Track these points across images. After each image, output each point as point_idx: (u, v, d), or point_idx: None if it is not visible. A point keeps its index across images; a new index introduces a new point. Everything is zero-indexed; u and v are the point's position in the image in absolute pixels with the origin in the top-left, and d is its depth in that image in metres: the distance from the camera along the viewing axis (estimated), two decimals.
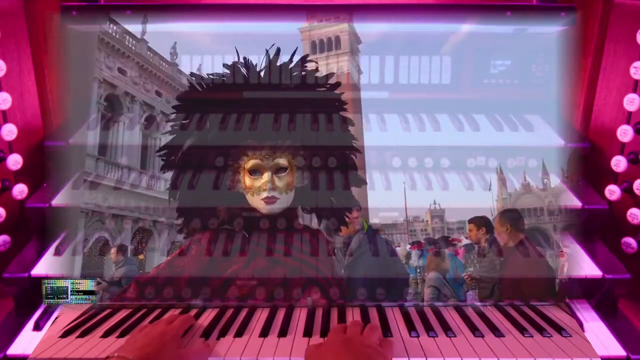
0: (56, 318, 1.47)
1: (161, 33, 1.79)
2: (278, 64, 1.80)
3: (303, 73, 1.81)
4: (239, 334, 1.37)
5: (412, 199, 1.72)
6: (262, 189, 1.75)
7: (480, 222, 1.66)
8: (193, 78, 1.82)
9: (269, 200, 1.74)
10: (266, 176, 1.75)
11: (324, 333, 1.37)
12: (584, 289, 1.52)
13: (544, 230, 1.68)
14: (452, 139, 1.68)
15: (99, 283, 1.60)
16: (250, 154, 1.77)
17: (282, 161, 1.77)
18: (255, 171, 1.76)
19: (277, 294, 1.57)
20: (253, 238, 1.71)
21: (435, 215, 1.75)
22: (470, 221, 1.67)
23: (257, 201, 1.75)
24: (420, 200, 1.71)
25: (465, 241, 1.67)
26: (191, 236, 1.72)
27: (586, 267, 1.51)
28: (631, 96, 1.51)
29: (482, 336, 1.35)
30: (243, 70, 1.81)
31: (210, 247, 1.68)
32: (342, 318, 1.45)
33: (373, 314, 1.47)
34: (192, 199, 1.76)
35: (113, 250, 1.69)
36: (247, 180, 1.76)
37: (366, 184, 1.76)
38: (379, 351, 1.20)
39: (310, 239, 1.72)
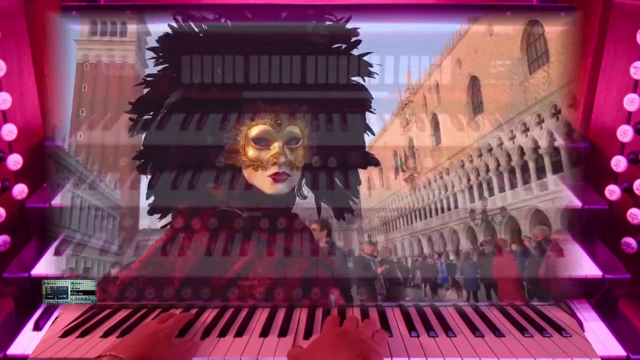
0: (56, 318, 1.47)
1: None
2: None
3: (328, 22, 1.52)
4: (239, 334, 1.37)
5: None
6: (270, 162, 1.44)
7: (324, 224, 1.63)
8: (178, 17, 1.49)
9: (279, 178, 1.44)
10: (277, 147, 1.44)
11: None
12: (584, 289, 1.52)
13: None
14: (452, 138, 1.69)
15: None
16: (257, 117, 1.46)
17: (295, 130, 1.47)
18: (262, 140, 1.45)
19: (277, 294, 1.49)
20: (251, 224, 1.45)
21: None
22: (315, 222, 1.62)
23: (261, 178, 1.45)
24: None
25: None
26: (169, 220, 1.48)
27: (586, 267, 1.51)
28: (631, 96, 1.51)
29: (482, 336, 1.35)
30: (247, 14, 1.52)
31: (195, 237, 1.45)
32: (342, 318, 1.44)
33: (373, 314, 1.47)
34: (170, 172, 1.46)
35: None
36: (251, 150, 1.45)
37: (379, 164, 1.57)
38: (373, 347, 1.20)
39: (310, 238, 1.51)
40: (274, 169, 1.44)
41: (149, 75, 1.54)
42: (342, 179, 1.55)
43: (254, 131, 1.45)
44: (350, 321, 1.31)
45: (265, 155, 1.45)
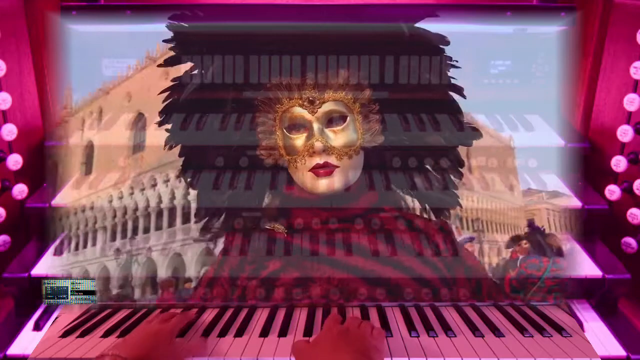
0: (56, 318, 1.47)
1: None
2: None
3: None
4: (239, 333, 1.37)
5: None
6: (307, 151, 1.17)
7: None
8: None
9: (322, 171, 1.17)
10: (315, 131, 1.16)
11: None
12: (584, 289, 1.52)
13: None
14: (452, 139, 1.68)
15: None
16: (285, 99, 1.19)
17: (337, 106, 1.18)
18: (295, 126, 1.19)
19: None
20: (299, 241, 1.20)
21: None
22: None
23: (303, 174, 1.19)
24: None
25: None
26: (213, 236, 1.33)
27: (586, 267, 1.51)
28: (631, 96, 1.51)
29: (482, 336, 1.35)
30: None
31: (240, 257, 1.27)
32: (342, 317, 1.44)
33: (373, 314, 1.47)
34: (206, 176, 1.26)
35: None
36: (286, 141, 1.19)
37: (480, 135, 1.32)
38: (374, 345, 1.19)
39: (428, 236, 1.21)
40: (312, 161, 1.16)
41: (174, 80, 1.37)
42: (441, 172, 1.28)
43: (285, 117, 1.18)
44: (351, 320, 1.31)
45: (300, 143, 1.17)
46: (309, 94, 1.17)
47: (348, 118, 1.19)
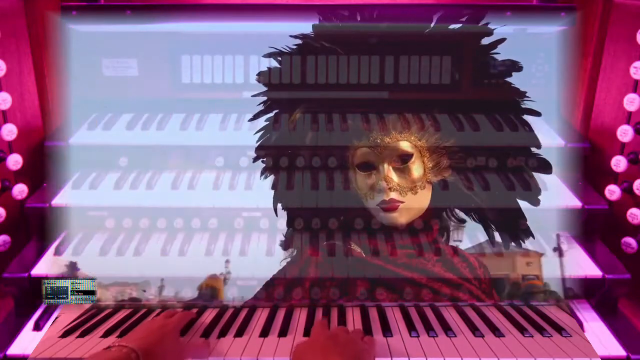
0: (56, 318, 1.47)
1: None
2: None
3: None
4: (239, 334, 1.37)
5: None
6: (375, 189, 1.28)
7: None
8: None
9: (388, 207, 1.28)
10: (381, 170, 1.27)
11: None
12: (584, 289, 1.52)
13: None
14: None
15: None
16: (356, 141, 1.31)
17: (403, 145, 1.28)
18: (366, 165, 1.31)
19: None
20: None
21: None
22: None
23: (374, 208, 1.31)
24: None
25: None
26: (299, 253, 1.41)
27: (586, 267, 1.51)
28: (631, 96, 1.51)
29: (482, 336, 1.35)
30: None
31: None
32: (342, 318, 1.44)
33: (373, 314, 1.47)
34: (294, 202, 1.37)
35: None
36: (359, 179, 1.31)
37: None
38: (364, 348, 1.19)
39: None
40: (380, 197, 1.27)
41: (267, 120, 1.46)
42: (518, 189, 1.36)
43: (357, 156, 1.30)
44: (340, 327, 1.31)
45: (370, 182, 1.30)
46: (375, 136, 1.28)
47: (413, 156, 1.29)
